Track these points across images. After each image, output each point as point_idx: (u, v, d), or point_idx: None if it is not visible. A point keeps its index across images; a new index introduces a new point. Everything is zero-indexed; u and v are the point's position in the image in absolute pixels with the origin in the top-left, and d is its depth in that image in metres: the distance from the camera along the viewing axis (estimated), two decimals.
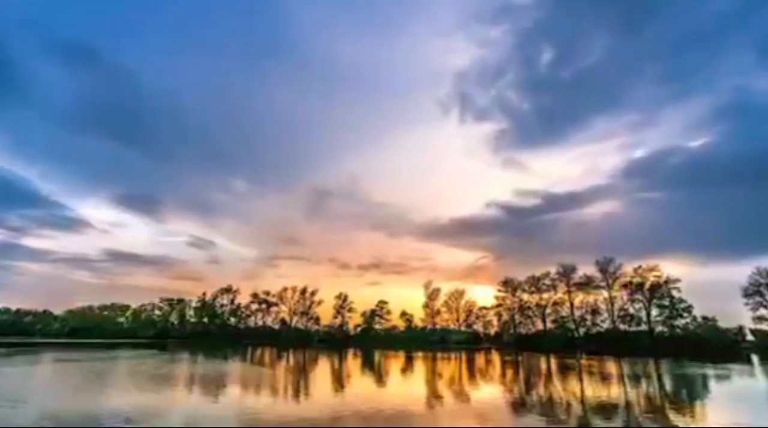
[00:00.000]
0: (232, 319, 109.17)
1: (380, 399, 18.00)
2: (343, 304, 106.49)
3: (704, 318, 74.24)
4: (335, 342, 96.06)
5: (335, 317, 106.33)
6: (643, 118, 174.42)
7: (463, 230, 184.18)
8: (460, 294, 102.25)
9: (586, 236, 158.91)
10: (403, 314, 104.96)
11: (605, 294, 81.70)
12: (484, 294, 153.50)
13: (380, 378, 27.51)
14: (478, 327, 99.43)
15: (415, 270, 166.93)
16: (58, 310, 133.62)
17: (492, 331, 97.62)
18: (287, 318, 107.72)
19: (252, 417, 13.29)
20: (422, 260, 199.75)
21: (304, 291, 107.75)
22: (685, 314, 73.44)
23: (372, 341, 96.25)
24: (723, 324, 74.57)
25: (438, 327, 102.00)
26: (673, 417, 14.12)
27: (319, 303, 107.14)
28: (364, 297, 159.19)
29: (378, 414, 13.82)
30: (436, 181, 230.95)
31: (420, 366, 37.81)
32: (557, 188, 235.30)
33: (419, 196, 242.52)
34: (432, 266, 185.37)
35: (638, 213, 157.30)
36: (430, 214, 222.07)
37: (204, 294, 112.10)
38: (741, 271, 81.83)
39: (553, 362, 43.12)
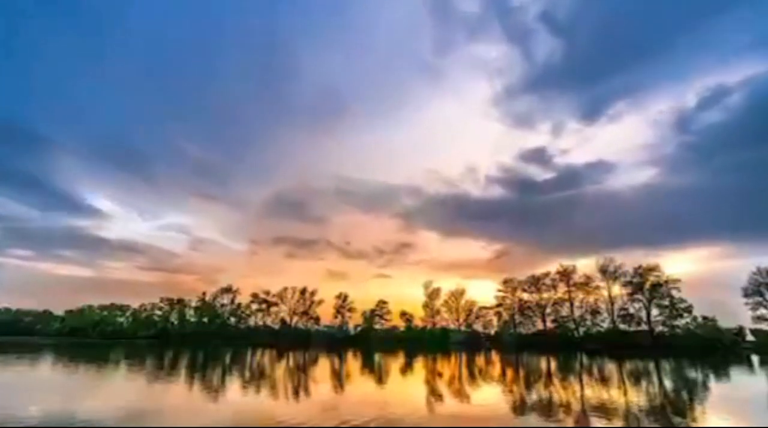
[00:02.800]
0: (232, 319, 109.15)
1: (385, 406, 18.00)
2: (343, 304, 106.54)
3: (704, 318, 74.24)
4: (335, 342, 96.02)
5: (335, 317, 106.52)
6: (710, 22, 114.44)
7: (463, 213, 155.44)
8: (460, 293, 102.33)
9: (615, 217, 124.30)
10: (403, 314, 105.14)
11: (605, 294, 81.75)
12: (486, 289, 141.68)
13: (383, 383, 27.51)
14: (478, 326, 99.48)
15: (413, 264, 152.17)
16: (58, 310, 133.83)
17: (492, 331, 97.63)
18: (287, 318, 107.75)
19: None
20: (420, 251, 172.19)
21: (303, 291, 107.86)
22: (685, 314, 73.45)
23: (372, 341, 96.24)
24: (723, 324, 74.63)
25: (438, 326, 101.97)
26: (673, 417, 14.10)
27: (319, 303, 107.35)
28: (351, 289, 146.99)
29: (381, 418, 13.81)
30: (426, 147, 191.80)
31: (422, 369, 37.82)
32: (578, 155, 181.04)
33: (408, 172, 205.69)
34: (430, 258, 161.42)
35: (686, 183, 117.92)
36: (424, 193, 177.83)
37: (204, 293, 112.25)
38: None
39: (553, 362, 43.09)
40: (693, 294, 74.43)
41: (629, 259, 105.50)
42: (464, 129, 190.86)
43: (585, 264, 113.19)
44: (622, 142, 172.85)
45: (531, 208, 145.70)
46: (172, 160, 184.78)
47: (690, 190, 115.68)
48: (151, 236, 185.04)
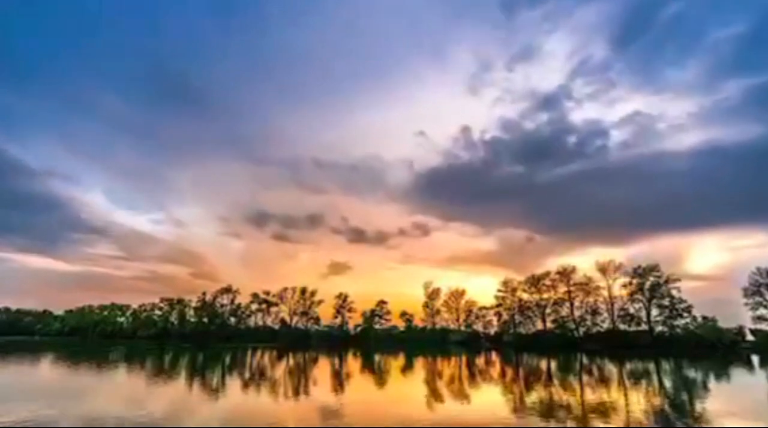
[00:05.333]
0: (232, 319, 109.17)
1: (385, 407, 17.97)
2: (343, 304, 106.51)
3: (704, 318, 74.17)
4: (335, 342, 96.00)
5: (335, 317, 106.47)
6: None
7: (463, 192, 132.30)
8: (460, 293, 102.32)
9: (651, 193, 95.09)
10: (403, 314, 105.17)
11: (605, 294, 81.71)
12: (493, 284, 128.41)
13: (383, 384, 27.50)
14: (478, 327, 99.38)
15: (407, 254, 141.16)
16: (58, 310, 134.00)
17: (492, 331, 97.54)
18: (287, 318, 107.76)
19: None
20: (416, 239, 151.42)
21: (304, 291, 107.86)
22: (685, 314, 73.37)
23: (372, 341, 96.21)
24: (723, 324, 74.53)
25: (438, 326, 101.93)
26: (673, 417, 14.09)
27: (319, 303, 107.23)
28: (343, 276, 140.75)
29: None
30: (410, 97, 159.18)
31: (422, 370, 37.80)
32: (604, 108, 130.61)
33: (396, 140, 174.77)
34: (427, 249, 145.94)
35: (747, 141, 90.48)
36: (416, 167, 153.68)
37: (204, 294, 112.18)
38: None
39: (553, 363, 43.08)
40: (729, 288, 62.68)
41: (658, 247, 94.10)
42: (452, 71, 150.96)
43: (608, 255, 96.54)
44: (666, 83, 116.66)
45: (542, 185, 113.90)
46: (145, 130, 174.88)
47: (749, 150, 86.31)
48: (123, 217, 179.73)
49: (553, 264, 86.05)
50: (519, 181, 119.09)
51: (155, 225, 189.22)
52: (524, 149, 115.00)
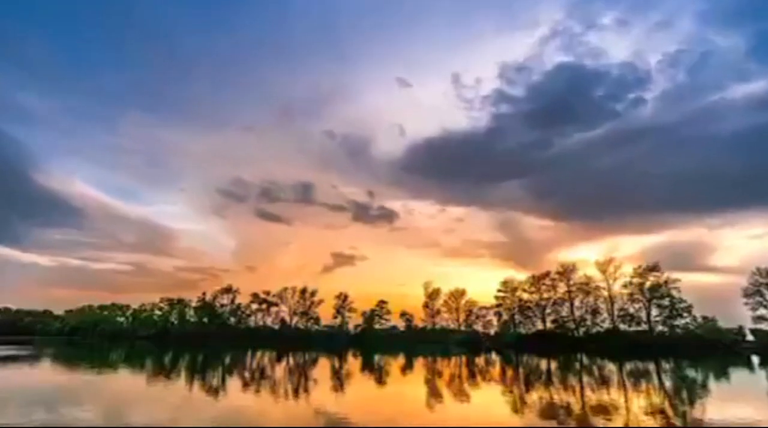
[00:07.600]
0: (232, 319, 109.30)
1: (385, 407, 17.97)
2: (343, 304, 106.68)
3: (704, 318, 74.24)
4: (335, 342, 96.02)
5: (335, 317, 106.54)
6: None
7: (463, 167, 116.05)
8: (460, 293, 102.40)
9: (697, 163, 76.81)
10: (403, 314, 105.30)
11: (605, 294, 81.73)
12: (495, 278, 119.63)
13: (383, 385, 27.52)
14: (478, 327, 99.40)
15: (399, 241, 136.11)
16: (58, 310, 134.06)
17: (492, 331, 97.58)
18: (287, 318, 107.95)
19: None
20: (409, 226, 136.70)
21: (304, 290, 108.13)
22: (685, 314, 73.44)
23: (372, 341, 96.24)
24: (723, 324, 74.58)
25: (438, 326, 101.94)
26: (673, 417, 14.10)
27: (319, 303, 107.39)
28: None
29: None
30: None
31: (422, 370, 37.83)
32: (639, 43, 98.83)
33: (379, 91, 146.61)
34: (421, 237, 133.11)
35: None
36: (407, 137, 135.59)
37: (204, 294, 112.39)
38: None
39: (554, 363, 43.11)
40: None
41: (690, 233, 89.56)
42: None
43: (630, 244, 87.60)
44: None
45: (558, 157, 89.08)
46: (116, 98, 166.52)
47: None
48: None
49: (567, 255, 75.77)
50: (530, 153, 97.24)
51: (131, 206, 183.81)
52: (535, 108, 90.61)
